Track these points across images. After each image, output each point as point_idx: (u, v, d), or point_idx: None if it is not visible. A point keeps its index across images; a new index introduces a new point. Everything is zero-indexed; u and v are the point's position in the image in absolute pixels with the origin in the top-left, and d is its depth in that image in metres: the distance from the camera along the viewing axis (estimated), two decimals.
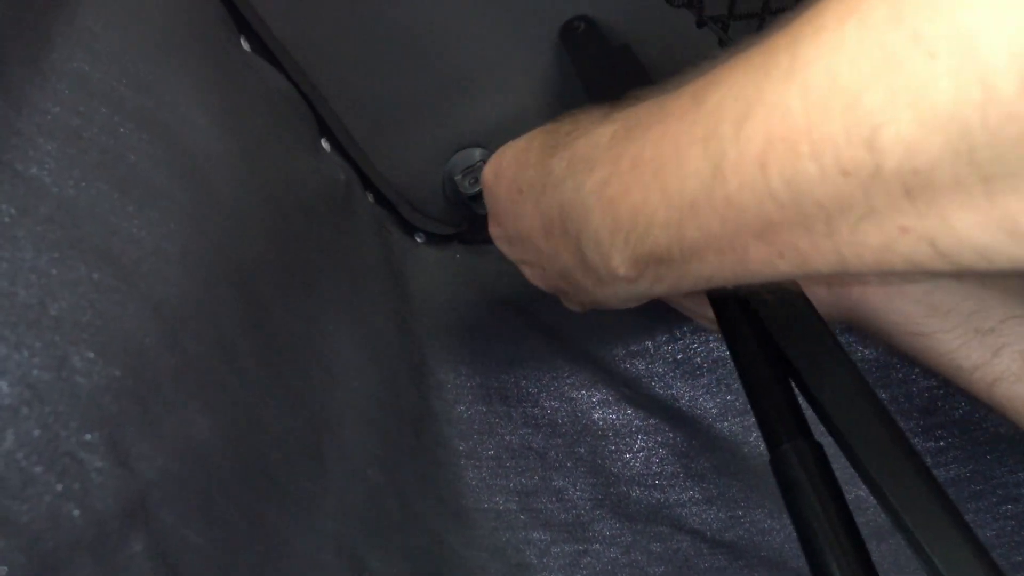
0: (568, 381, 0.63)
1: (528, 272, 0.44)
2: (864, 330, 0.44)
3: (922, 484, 0.32)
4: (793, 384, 0.37)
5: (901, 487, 0.32)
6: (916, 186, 0.20)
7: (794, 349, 0.37)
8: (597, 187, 0.33)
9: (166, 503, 0.28)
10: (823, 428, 0.36)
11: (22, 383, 0.25)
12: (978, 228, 0.19)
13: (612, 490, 0.61)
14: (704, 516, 0.61)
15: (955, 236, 0.20)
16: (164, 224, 0.34)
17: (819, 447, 0.34)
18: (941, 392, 0.59)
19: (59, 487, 0.24)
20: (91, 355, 0.27)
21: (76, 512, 0.24)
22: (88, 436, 0.26)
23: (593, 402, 0.63)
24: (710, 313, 0.41)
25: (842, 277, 0.25)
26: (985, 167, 0.18)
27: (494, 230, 0.45)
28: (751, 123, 0.24)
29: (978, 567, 0.30)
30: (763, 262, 0.26)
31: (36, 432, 0.25)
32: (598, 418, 0.63)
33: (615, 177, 0.32)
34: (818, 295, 0.41)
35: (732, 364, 0.64)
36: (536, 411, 0.62)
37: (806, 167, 0.22)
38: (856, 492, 0.44)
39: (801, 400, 0.37)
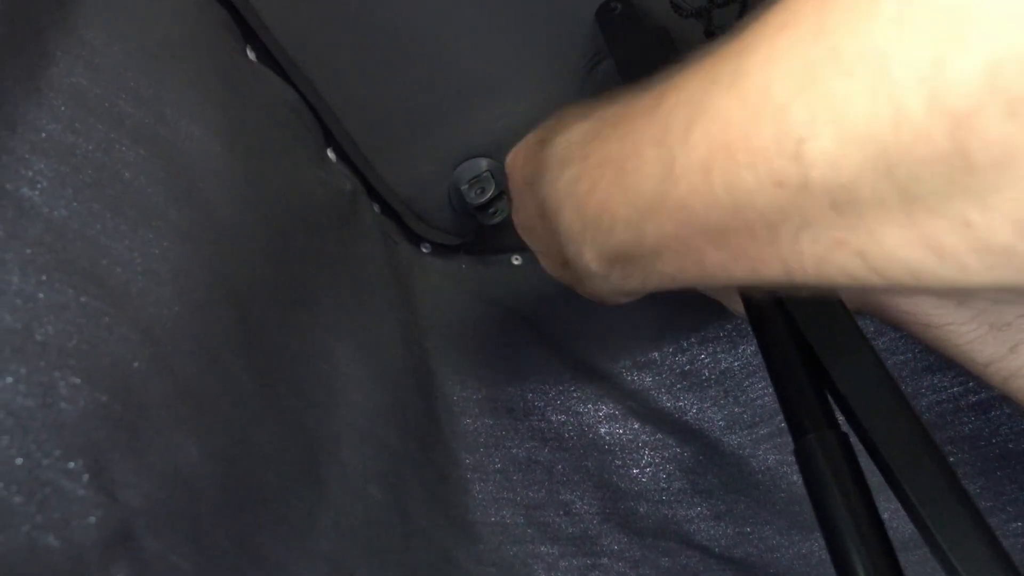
0: (575, 395, 0.62)
1: (542, 261, 0.45)
2: (877, 319, 0.44)
3: (943, 480, 0.31)
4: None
5: (922, 483, 0.32)
6: (842, 201, 0.20)
7: (819, 340, 0.36)
8: (568, 184, 0.34)
9: (152, 530, 0.27)
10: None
11: (5, 411, 0.25)
12: (904, 246, 0.19)
13: (620, 505, 0.60)
14: (712, 532, 0.60)
15: (883, 252, 0.20)
16: (157, 244, 0.34)
17: (845, 438, 0.34)
18: (950, 407, 0.58)
19: (39, 517, 0.24)
20: (77, 381, 0.27)
21: (55, 543, 0.24)
22: (71, 464, 0.26)
23: (600, 416, 0.62)
24: (737, 296, 0.41)
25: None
26: (904, 186, 0.18)
27: (515, 217, 0.46)
28: (697, 129, 0.24)
29: (999, 570, 0.29)
30: (719, 266, 0.26)
31: (18, 461, 0.25)
32: (605, 432, 0.62)
33: (584, 174, 0.32)
34: None
35: (739, 375, 0.64)
36: (543, 424, 0.62)
37: (744, 176, 0.22)
38: None
39: None
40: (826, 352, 0.36)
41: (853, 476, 0.32)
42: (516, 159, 0.44)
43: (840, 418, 0.35)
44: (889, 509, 0.33)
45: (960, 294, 0.20)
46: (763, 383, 0.62)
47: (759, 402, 0.62)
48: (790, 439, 0.35)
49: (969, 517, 0.30)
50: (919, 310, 0.40)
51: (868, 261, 0.21)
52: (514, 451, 0.60)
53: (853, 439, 0.34)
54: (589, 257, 0.34)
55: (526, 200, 0.41)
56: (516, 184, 0.43)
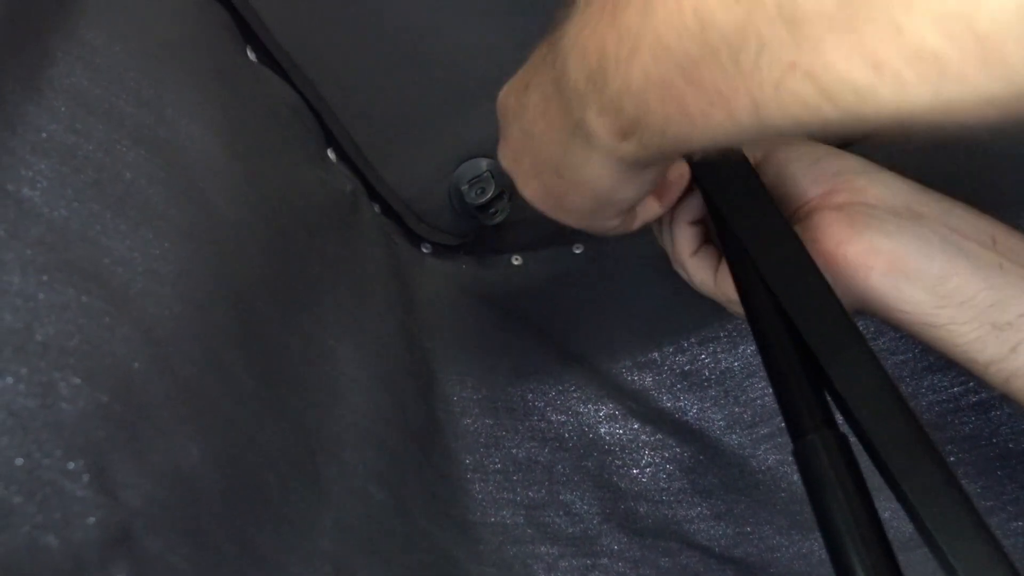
0: (575, 395, 0.62)
1: (529, 189, 0.43)
2: (878, 319, 0.43)
3: (942, 480, 0.32)
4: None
5: (920, 483, 0.32)
6: (789, 12, 0.21)
7: (817, 340, 0.36)
8: (575, 36, 0.34)
9: (152, 530, 0.27)
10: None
11: (5, 411, 0.25)
12: (846, 61, 0.21)
13: (620, 505, 0.60)
14: (712, 532, 0.60)
15: (831, 72, 0.21)
16: (158, 244, 0.34)
17: (844, 438, 0.34)
18: (951, 407, 0.58)
19: (38, 518, 0.24)
20: (77, 381, 0.27)
21: (54, 542, 0.24)
22: (71, 464, 0.26)
23: (600, 416, 0.62)
24: (735, 296, 0.41)
25: (767, 136, 0.26)
26: None
27: (502, 149, 0.45)
28: None
29: (997, 570, 0.29)
30: (700, 112, 0.27)
31: (18, 461, 0.25)
32: (605, 433, 0.62)
33: (588, 22, 0.33)
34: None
35: (740, 376, 0.64)
36: (543, 425, 0.62)
37: None
38: None
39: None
40: (824, 352, 0.36)
41: (852, 476, 0.32)
42: (515, 82, 0.43)
43: (839, 419, 0.36)
44: (889, 509, 0.33)
45: (910, 121, 0.21)
46: (763, 383, 0.62)
47: (759, 402, 0.62)
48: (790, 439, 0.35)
49: (968, 517, 0.30)
50: (919, 311, 0.40)
51: (818, 83, 0.22)
52: (514, 451, 0.60)
53: (852, 440, 0.34)
54: (592, 115, 0.33)
55: (526, 99, 0.39)
56: (515, 98, 0.42)
